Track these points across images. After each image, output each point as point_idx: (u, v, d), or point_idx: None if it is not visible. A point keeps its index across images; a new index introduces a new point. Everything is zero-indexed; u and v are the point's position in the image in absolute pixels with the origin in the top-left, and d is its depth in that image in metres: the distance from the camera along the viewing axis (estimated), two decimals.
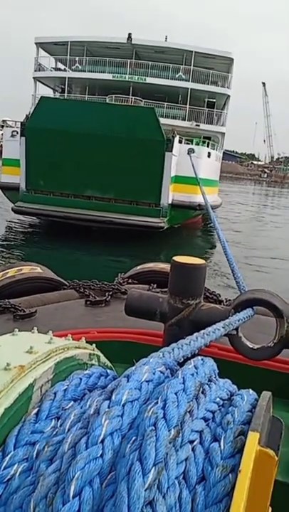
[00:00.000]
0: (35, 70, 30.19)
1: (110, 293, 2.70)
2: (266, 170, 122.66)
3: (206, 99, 29.01)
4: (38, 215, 15.75)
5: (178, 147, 15.88)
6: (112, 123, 13.99)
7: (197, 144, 18.65)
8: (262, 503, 0.55)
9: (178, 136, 15.68)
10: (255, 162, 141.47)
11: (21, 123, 15.03)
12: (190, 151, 16.06)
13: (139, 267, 3.39)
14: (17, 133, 15.15)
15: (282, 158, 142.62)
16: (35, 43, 29.95)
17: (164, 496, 0.51)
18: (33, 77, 29.95)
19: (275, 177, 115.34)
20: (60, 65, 31.63)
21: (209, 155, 18.84)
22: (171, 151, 14.61)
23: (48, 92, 31.10)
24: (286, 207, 38.93)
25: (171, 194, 15.37)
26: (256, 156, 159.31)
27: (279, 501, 0.76)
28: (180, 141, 17.10)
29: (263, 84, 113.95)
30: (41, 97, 15.05)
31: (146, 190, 14.72)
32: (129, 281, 3.06)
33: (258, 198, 50.41)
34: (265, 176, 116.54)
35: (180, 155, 15.85)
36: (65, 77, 30.29)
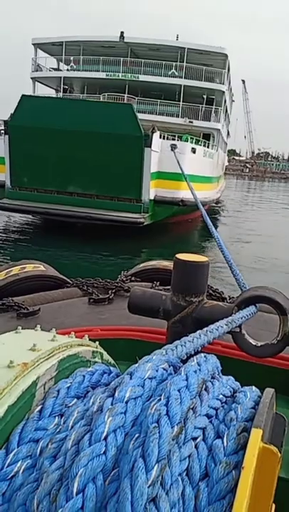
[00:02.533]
0: (33, 71, 30.15)
1: (113, 291, 2.70)
2: (248, 165, 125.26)
3: (205, 96, 28.43)
4: (21, 212, 15.98)
5: (159, 143, 15.89)
6: (92, 120, 14.10)
7: (186, 140, 18.55)
8: (265, 500, 0.55)
9: (158, 132, 15.66)
10: (236, 157, 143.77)
11: (4, 121, 15.18)
12: (173, 147, 16.03)
13: (141, 265, 3.38)
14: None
15: (262, 153, 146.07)
16: (33, 44, 29.93)
17: (167, 492, 0.51)
18: (31, 78, 29.94)
19: (256, 172, 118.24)
20: (63, 65, 31.57)
21: (194, 151, 18.68)
22: (150, 146, 14.66)
23: (48, 92, 30.96)
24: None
25: (153, 190, 15.45)
26: (237, 151, 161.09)
27: (283, 498, 0.76)
28: (164, 137, 17.07)
29: (243, 81, 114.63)
30: (22, 95, 15.13)
31: (127, 186, 14.85)
32: (132, 278, 3.06)
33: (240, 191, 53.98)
34: (247, 170, 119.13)
35: (162, 151, 15.85)
36: (61, 77, 30.22)
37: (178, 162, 13.74)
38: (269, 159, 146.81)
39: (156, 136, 15.25)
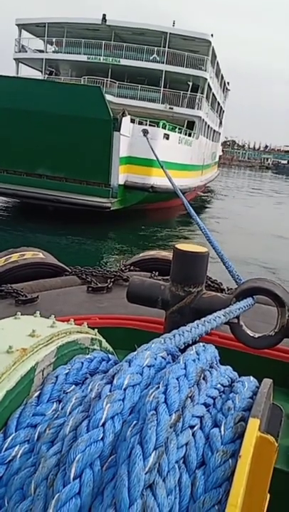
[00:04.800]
0: (17, 51, 29.55)
1: (112, 280, 2.70)
2: None
3: (190, 83, 27.35)
4: None
5: (130, 127, 15.63)
6: (59, 101, 13.91)
7: (163, 126, 18.23)
8: (261, 489, 0.55)
9: (128, 117, 15.41)
10: None
11: None
12: (145, 133, 15.80)
13: (140, 255, 3.39)
14: None
15: (229, 141, 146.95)
16: (16, 25, 29.45)
17: (164, 479, 0.51)
18: (14, 58, 29.35)
19: (223, 159, 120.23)
20: (51, 47, 30.83)
21: (168, 137, 18.37)
22: (119, 130, 14.47)
23: (32, 74, 29.99)
24: None
25: (123, 175, 15.27)
26: None
27: (278, 489, 0.76)
28: (140, 123, 16.88)
29: None
30: None
31: (96, 170, 14.70)
32: (131, 268, 3.07)
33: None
34: None
35: (133, 136, 15.63)
36: (43, 59, 29.45)
37: (151, 148, 13.45)
38: (235, 147, 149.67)
39: (126, 120, 15.02)
